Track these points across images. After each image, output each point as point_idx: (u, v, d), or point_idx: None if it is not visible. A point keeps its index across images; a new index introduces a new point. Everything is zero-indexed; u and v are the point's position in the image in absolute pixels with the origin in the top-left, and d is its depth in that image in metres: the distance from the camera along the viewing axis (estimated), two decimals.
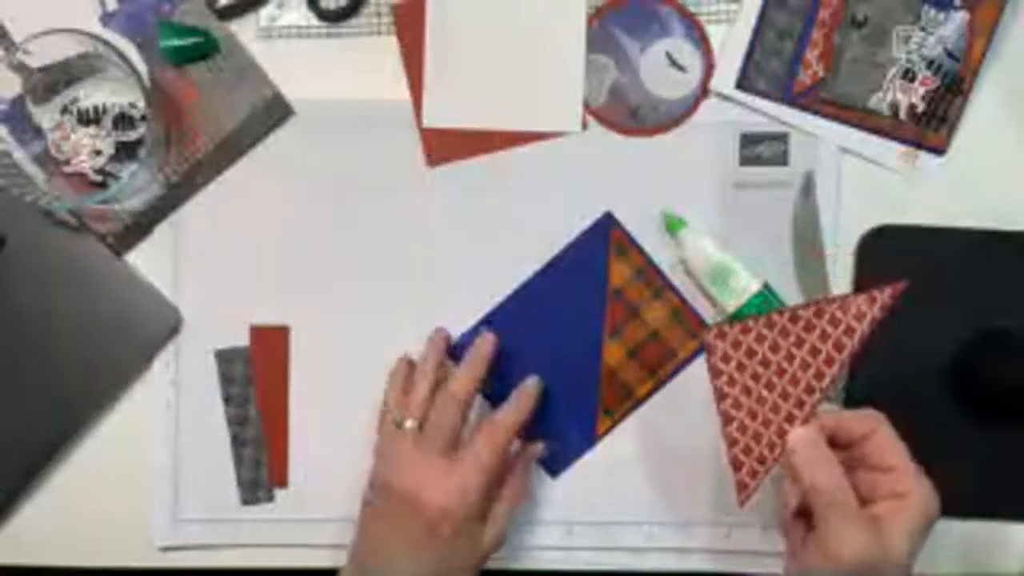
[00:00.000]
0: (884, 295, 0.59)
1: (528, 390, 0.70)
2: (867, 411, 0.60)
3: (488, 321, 0.73)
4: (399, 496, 0.65)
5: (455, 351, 0.73)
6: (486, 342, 0.70)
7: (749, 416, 0.61)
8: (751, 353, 0.61)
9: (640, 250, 0.73)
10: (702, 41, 0.73)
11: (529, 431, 0.71)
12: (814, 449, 0.58)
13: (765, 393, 0.60)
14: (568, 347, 0.73)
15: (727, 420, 0.61)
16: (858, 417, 0.60)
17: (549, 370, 0.72)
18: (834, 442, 0.60)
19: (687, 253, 0.71)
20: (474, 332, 0.73)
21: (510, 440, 0.67)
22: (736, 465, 0.61)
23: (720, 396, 0.62)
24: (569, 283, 0.73)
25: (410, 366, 0.72)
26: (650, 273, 0.73)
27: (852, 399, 0.72)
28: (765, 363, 0.61)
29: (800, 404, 0.60)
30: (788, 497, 0.62)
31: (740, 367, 0.61)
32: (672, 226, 0.72)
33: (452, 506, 0.64)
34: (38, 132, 0.73)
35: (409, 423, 0.67)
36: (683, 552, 0.73)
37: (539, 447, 0.72)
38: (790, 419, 0.60)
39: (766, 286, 0.70)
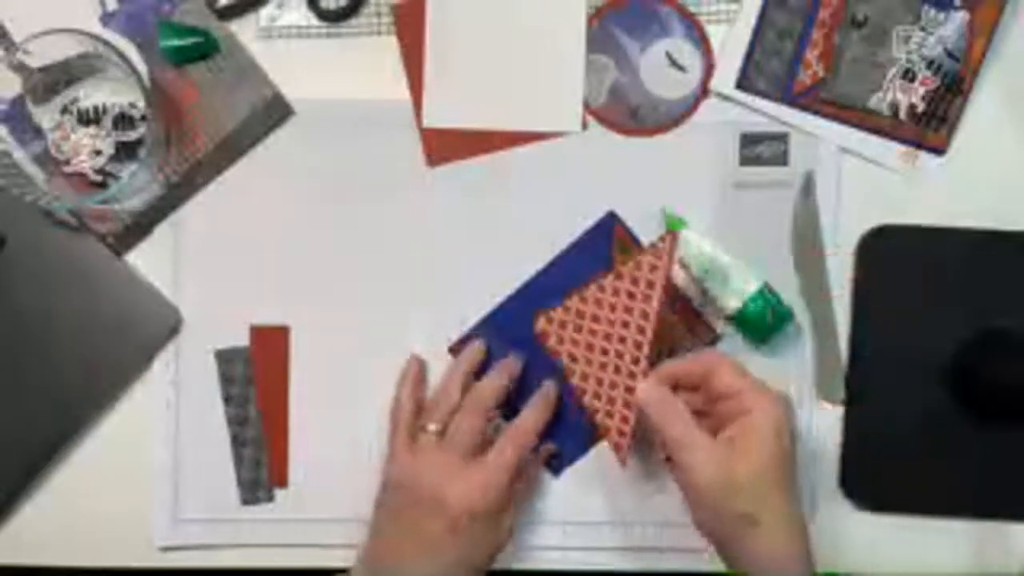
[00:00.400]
0: (666, 245, 0.65)
1: (548, 394, 0.71)
2: (703, 351, 0.66)
3: (489, 321, 0.73)
4: (417, 496, 0.66)
5: (456, 351, 0.73)
6: (514, 360, 0.71)
7: (597, 383, 0.66)
8: (578, 328, 0.67)
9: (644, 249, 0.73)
10: (702, 41, 0.73)
11: None
12: (658, 399, 0.63)
13: (603, 359, 0.66)
14: None
15: (581, 392, 0.67)
16: (695, 358, 0.65)
17: (550, 369, 0.72)
18: (685, 385, 0.65)
19: (687, 253, 0.71)
20: (476, 331, 0.73)
21: (533, 442, 0.69)
22: (604, 430, 0.67)
23: (568, 373, 0.67)
24: (571, 282, 0.73)
25: (420, 365, 0.72)
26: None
27: (853, 399, 0.72)
28: (592, 333, 0.66)
29: (636, 360, 0.65)
30: (659, 449, 0.68)
31: (574, 343, 0.67)
32: (672, 225, 0.72)
33: (474, 503, 0.65)
34: (38, 132, 0.73)
35: (432, 427, 0.68)
36: (681, 552, 0.73)
37: (551, 446, 0.72)
38: (632, 376, 0.65)
39: (766, 286, 0.70)
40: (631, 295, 0.66)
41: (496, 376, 0.70)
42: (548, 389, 0.71)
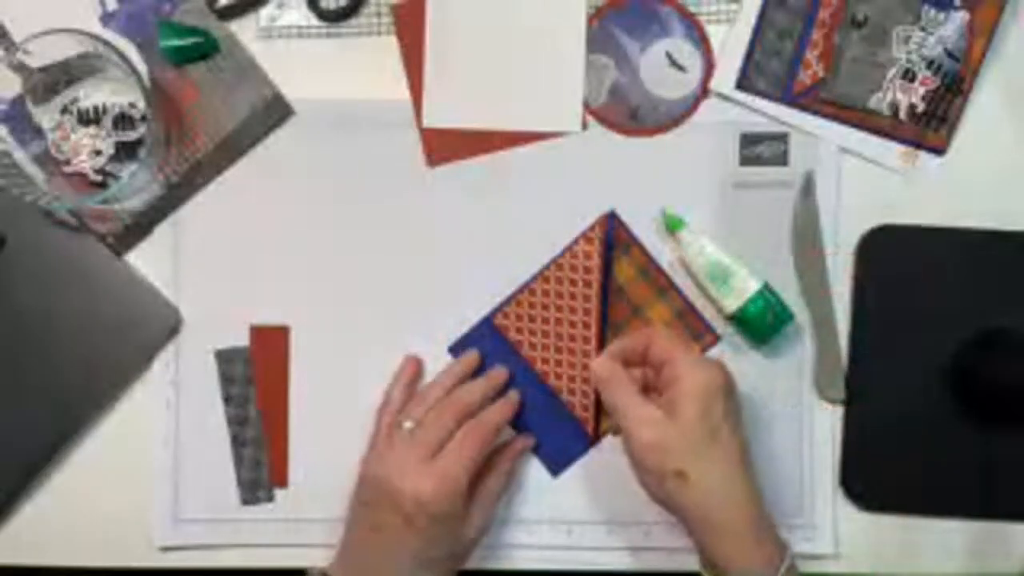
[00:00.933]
0: (595, 231, 0.71)
1: (511, 399, 0.72)
2: (642, 329, 0.70)
3: (489, 321, 0.73)
4: (379, 490, 0.66)
5: (455, 350, 0.73)
6: (499, 371, 0.72)
7: (557, 364, 0.72)
8: (532, 319, 0.72)
9: (643, 250, 0.73)
10: (702, 41, 0.73)
11: (530, 429, 0.73)
12: (605, 373, 0.67)
13: (559, 343, 0.72)
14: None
15: (544, 377, 0.73)
16: (634, 336, 0.69)
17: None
18: (633, 360, 0.68)
19: (687, 253, 0.71)
20: (475, 332, 0.73)
21: (491, 439, 0.69)
22: (571, 408, 0.73)
23: (530, 362, 0.73)
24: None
25: (416, 365, 0.72)
26: (654, 273, 0.73)
27: (853, 399, 0.72)
28: (545, 321, 0.72)
29: (587, 340, 0.71)
30: (611, 419, 0.71)
31: (531, 332, 0.73)
32: (672, 225, 0.72)
33: (425, 498, 0.65)
34: (38, 132, 0.73)
35: (407, 424, 0.68)
36: (683, 552, 0.73)
37: (529, 441, 0.73)
38: (587, 354, 0.71)
39: (766, 286, 0.70)
40: (572, 282, 0.71)
41: (481, 382, 0.71)
42: (511, 396, 0.72)
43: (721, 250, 0.71)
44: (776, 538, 0.64)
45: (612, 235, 0.73)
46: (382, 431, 0.70)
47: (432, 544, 0.66)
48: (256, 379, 0.74)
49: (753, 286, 0.70)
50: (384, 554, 0.66)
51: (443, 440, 0.67)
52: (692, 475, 0.63)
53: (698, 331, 0.73)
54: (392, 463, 0.67)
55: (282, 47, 0.74)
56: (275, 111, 0.73)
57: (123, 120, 0.73)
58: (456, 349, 0.73)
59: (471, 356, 0.73)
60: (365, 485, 0.68)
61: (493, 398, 0.71)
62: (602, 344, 0.71)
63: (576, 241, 0.72)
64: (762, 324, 0.70)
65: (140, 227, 0.74)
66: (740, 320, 0.71)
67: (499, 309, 0.73)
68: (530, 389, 0.72)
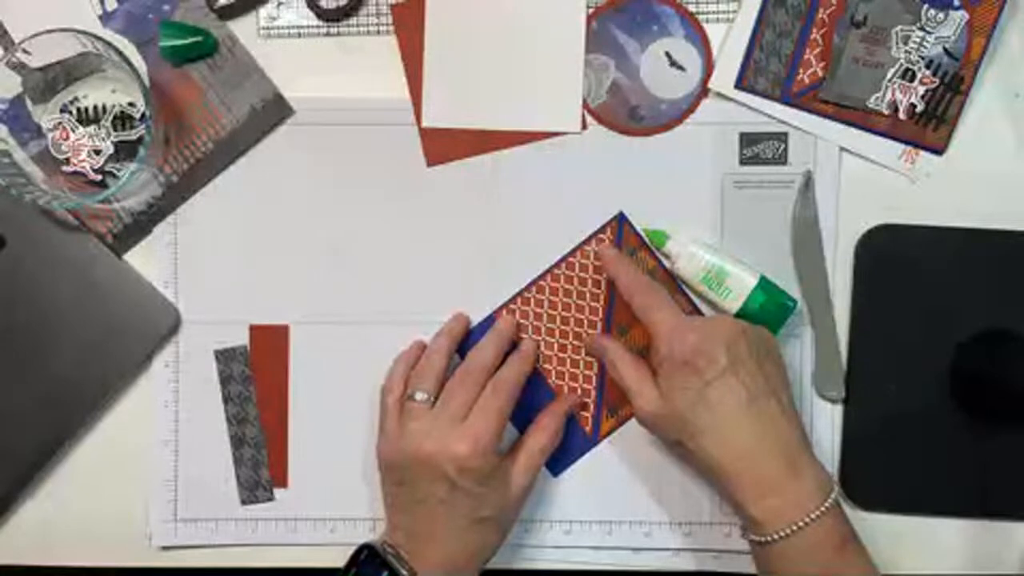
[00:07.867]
0: (607, 233, 0.72)
1: (525, 350, 0.71)
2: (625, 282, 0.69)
3: (490, 322, 0.73)
4: (409, 464, 0.66)
5: (462, 350, 0.73)
6: (507, 322, 0.72)
7: (560, 364, 0.73)
8: (538, 316, 0.73)
9: (652, 252, 0.73)
10: (702, 41, 0.73)
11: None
12: (599, 349, 0.70)
13: (563, 341, 0.73)
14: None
15: (547, 374, 0.73)
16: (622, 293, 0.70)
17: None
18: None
19: (676, 264, 0.71)
20: (478, 330, 0.73)
21: (516, 393, 0.69)
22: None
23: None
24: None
25: (420, 348, 0.72)
26: (661, 275, 0.73)
27: (853, 399, 0.72)
28: (551, 319, 0.73)
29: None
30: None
31: (535, 331, 0.73)
32: (657, 241, 0.72)
33: (465, 455, 0.65)
34: (38, 132, 0.73)
35: (420, 396, 0.68)
36: (683, 552, 0.73)
37: (573, 399, 0.73)
38: (590, 354, 0.73)
39: (763, 278, 0.70)
40: (582, 280, 0.72)
41: (492, 340, 0.71)
42: (526, 345, 0.72)
43: (712, 252, 0.70)
44: (811, 475, 0.63)
45: (621, 237, 0.73)
46: (391, 410, 0.69)
47: (481, 503, 0.66)
48: (256, 379, 0.74)
49: (751, 282, 0.70)
50: (437, 521, 0.66)
51: (470, 404, 0.67)
52: (689, 444, 0.65)
53: None
54: (418, 434, 0.66)
55: (282, 47, 0.74)
56: (275, 111, 0.73)
57: (123, 120, 0.73)
58: (464, 349, 0.73)
59: (459, 317, 0.73)
60: (393, 467, 0.68)
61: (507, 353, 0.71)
62: None
63: (587, 241, 0.72)
64: (768, 315, 0.70)
65: (140, 227, 0.74)
66: (746, 317, 0.70)
67: (503, 307, 0.73)
68: (531, 388, 0.72)
